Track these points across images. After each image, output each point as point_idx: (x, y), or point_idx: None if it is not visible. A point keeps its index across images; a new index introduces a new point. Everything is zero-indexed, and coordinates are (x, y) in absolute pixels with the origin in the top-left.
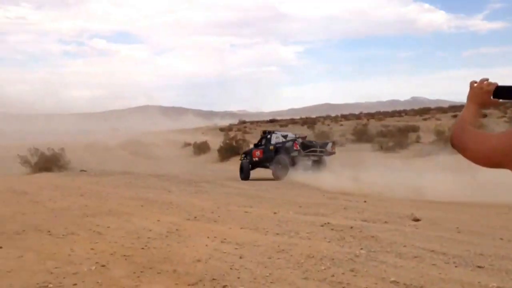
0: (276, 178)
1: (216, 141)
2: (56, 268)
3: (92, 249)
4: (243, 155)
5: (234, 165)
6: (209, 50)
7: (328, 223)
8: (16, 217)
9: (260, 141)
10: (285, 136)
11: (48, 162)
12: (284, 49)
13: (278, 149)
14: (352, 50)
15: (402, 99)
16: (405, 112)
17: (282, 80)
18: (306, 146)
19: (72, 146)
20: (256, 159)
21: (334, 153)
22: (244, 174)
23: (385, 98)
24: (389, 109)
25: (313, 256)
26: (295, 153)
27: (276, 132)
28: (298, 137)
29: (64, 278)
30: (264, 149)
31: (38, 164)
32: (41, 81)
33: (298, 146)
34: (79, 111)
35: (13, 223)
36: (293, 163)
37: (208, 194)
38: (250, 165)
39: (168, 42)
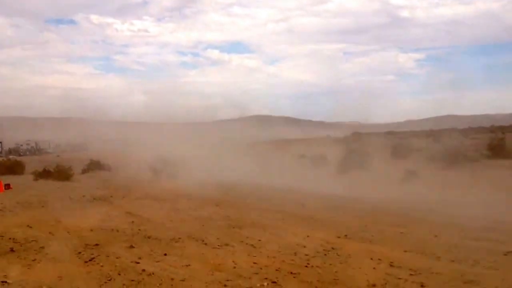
0: None
1: (333, 153)
2: (228, 280)
3: (254, 263)
4: None
5: (358, 178)
6: (321, 58)
7: None
8: (166, 224)
9: None
10: None
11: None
12: (403, 56)
13: None
14: (481, 56)
15: None
16: None
17: (399, 90)
18: None
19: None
20: None
21: None
22: None
23: None
24: None
25: None
26: None
27: None
28: None
29: None
30: None
31: (163, 172)
32: (157, 92)
33: None
34: (191, 120)
35: (167, 230)
36: None
37: (344, 209)
38: None
39: (279, 51)
